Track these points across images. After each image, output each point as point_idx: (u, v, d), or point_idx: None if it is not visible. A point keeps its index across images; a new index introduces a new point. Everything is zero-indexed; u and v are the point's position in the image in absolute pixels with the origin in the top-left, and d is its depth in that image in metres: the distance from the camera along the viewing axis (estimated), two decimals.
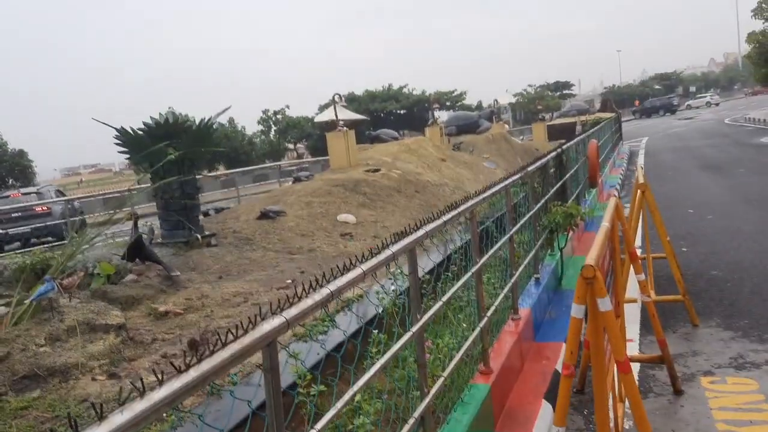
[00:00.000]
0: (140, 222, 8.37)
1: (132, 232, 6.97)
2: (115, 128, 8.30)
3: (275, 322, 1.94)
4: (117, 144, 8.58)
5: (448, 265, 4.93)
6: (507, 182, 5.60)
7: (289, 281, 6.68)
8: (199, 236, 8.35)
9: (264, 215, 9.46)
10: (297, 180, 13.00)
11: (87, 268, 7.04)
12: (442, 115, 61.10)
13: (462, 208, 4.17)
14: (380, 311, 4.41)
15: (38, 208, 16.46)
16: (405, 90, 60.44)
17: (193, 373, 1.56)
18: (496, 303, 4.71)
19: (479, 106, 63.57)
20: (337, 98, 14.83)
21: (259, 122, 49.44)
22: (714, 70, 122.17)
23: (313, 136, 49.76)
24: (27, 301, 4.91)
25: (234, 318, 5.44)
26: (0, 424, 3.54)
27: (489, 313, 4.41)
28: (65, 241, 13.98)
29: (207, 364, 1.61)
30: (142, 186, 11.81)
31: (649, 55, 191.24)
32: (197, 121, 8.65)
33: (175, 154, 8.05)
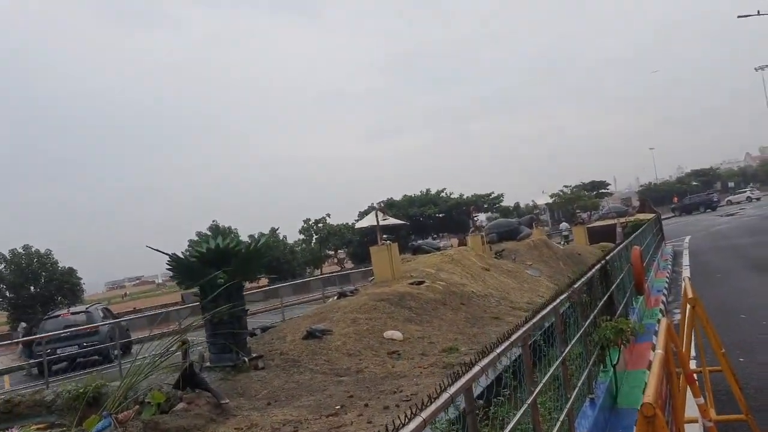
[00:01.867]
0: (189, 336, 8.51)
1: (183, 359, 7.08)
2: (167, 254, 8.65)
3: None
4: (169, 269, 8.91)
5: (497, 389, 4.85)
6: (555, 303, 5.60)
7: (338, 407, 6.62)
8: (246, 359, 8.42)
9: (310, 335, 9.51)
10: (342, 295, 13.11)
11: (138, 396, 7.13)
12: (481, 217, 61.67)
13: (514, 337, 4.19)
14: None
15: (86, 329, 16.83)
16: (443, 194, 61.46)
17: None
18: (555, 430, 4.58)
19: (517, 208, 64.00)
20: (379, 212, 15.19)
21: (300, 231, 50.57)
22: (751, 164, 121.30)
23: (353, 242, 50.53)
24: None
25: None
26: None
27: None
28: (112, 363, 14.23)
29: None
30: (190, 304, 12.10)
31: (684, 151, 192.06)
32: (247, 245, 8.95)
33: (225, 278, 8.30)
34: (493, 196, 62.32)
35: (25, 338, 17.29)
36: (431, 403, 2.85)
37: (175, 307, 20.69)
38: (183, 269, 8.68)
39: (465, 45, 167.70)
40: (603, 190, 79.40)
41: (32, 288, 34.31)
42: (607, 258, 9.36)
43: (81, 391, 7.80)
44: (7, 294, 33.83)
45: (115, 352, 14.79)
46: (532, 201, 68.26)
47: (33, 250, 34.87)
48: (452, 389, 3.08)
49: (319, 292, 23.99)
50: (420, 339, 9.75)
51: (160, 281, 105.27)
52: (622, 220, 29.37)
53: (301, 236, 50.87)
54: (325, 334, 9.60)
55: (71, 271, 35.82)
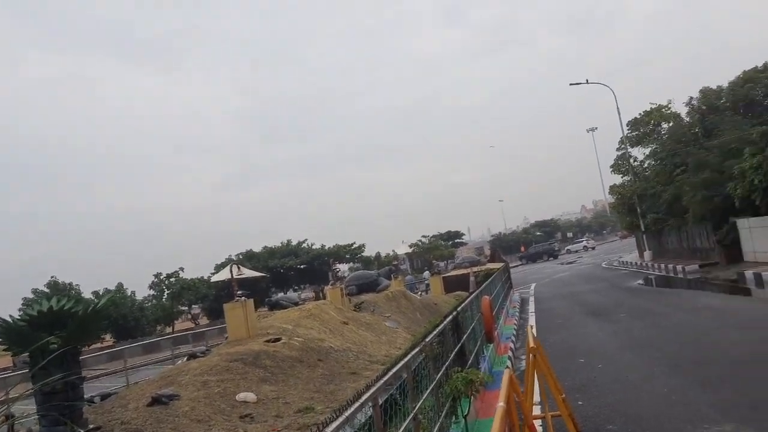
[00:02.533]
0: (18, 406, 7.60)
1: None
2: None
3: None
4: None
5: None
6: (407, 359, 5.72)
7: None
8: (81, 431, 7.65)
9: (156, 401, 8.87)
10: (192, 356, 12.42)
11: None
12: (343, 268, 61.91)
13: (364, 398, 4.20)
14: None
15: None
16: (304, 245, 61.17)
17: None
18: None
19: (378, 258, 65.23)
20: (234, 268, 14.74)
21: (150, 287, 47.63)
22: (586, 216, 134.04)
23: (209, 297, 48.39)
24: None
25: None
26: None
27: None
28: None
29: None
30: (21, 373, 10.87)
31: (530, 203, 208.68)
32: (86, 304, 8.25)
33: (59, 344, 7.56)
34: (354, 246, 63.06)
35: None
36: None
37: (4, 374, 18.48)
38: (11, 334, 7.80)
39: (326, 95, 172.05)
40: (458, 240, 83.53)
41: None
42: (458, 309, 9.77)
43: None
44: None
45: None
46: (393, 251, 70.03)
47: None
48: None
49: (169, 351, 22.61)
50: (275, 400, 9.46)
51: None
52: (475, 269, 30.96)
53: (152, 292, 47.92)
54: (172, 399, 8.99)
55: None
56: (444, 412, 6.91)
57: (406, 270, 67.40)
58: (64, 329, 7.75)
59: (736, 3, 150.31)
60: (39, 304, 8.21)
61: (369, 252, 65.35)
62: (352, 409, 3.95)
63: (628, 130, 37.74)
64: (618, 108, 37.98)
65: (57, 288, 40.72)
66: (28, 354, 8.07)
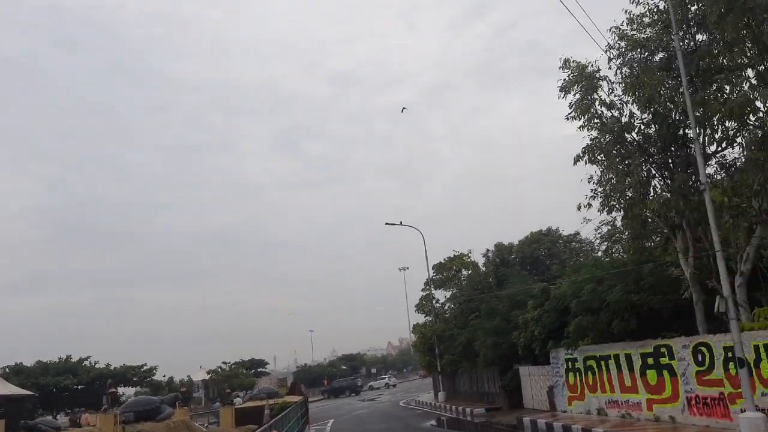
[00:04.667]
0: None
1: None
2: None
3: None
4: None
5: None
6: None
7: None
8: None
9: None
10: None
11: None
12: (129, 392, 55.93)
13: None
14: None
15: None
16: (86, 362, 54.86)
17: None
18: None
19: (170, 382, 60.18)
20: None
21: None
22: (392, 353, 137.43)
23: None
24: None
25: None
26: None
27: None
28: None
29: None
30: None
31: (339, 335, 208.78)
32: None
33: None
34: (145, 368, 57.84)
35: None
36: None
37: None
38: None
39: (132, 206, 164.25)
40: (261, 369, 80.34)
41: None
42: None
43: None
44: None
45: None
46: (188, 376, 65.25)
47: None
48: None
49: None
50: None
51: None
52: (272, 401, 29.71)
53: None
54: None
55: None
56: None
57: (200, 398, 62.77)
58: None
59: (528, 179, 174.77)
60: None
61: (161, 375, 60.22)
62: None
63: (433, 272, 40.38)
64: (426, 251, 40.76)
65: None
66: None
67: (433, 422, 27.62)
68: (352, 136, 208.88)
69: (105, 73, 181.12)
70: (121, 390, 52.72)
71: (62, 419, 38.20)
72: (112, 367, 55.51)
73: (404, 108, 51.06)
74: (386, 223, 42.44)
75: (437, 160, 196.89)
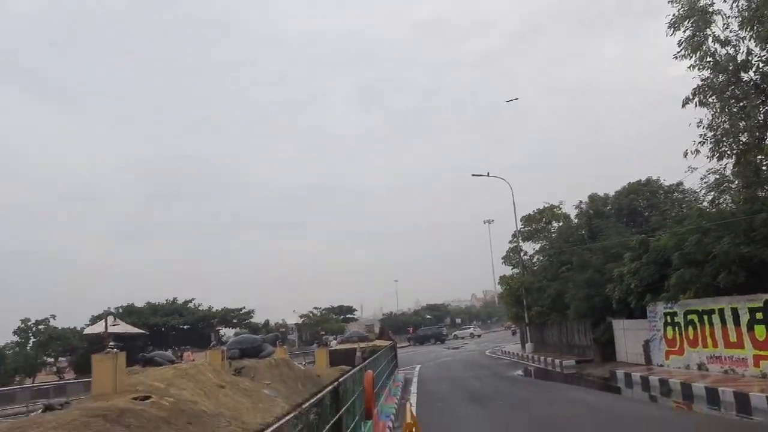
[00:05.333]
0: None
1: None
2: None
3: None
4: None
5: None
6: (281, 422, 5.49)
7: None
8: None
9: None
10: (49, 408, 11.31)
11: None
12: (229, 332, 59.50)
13: None
14: None
15: None
16: (191, 305, 58.66)
17: None
18: None
19: (266, 325, 63.42)
20: (111, 318, 13.80)
21: (15, 332, 43.48)
22: (475, 304, 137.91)
23: (79, 350, 44.75)
24: None
25: None
26: None
27: None
28: None
29: None
30: None
31: (423, 286, 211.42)
32: None
33: None
34: (243, 311, 61.17)
35: None
36: None
37: None
38: None
39: (228, 159, 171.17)
40: (350, 315, 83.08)
41: None
42: (340, 380, 9.57)
43: None
44: None
45: None
46: (283, 320, 68.51)
47: None
48: None
49: (25, 404, 20.59)
50: None
51: None
52: (362, 344, 30.72)
53: (15, 338, 43.71)
54: None
55: None
56: None
57: (293, 340, 65.88)
58: None
59: (627, 126, 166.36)
60: None
61: (258, 319, 63.55)
62: None
63: (521, 224, 39.80)
64: (514, 203, 40.10)
65: None
66: None
67: (520, 372, 27.71)
68: (437, 87, 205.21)
69: (195, 29, 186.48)
70: (221, 330, 56.20)
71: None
72: (213, 310, 59.07)
73: (512, 99, 50.48)
74: (473, 175, 41.88)
75: (526, 108, 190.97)
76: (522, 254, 40.28)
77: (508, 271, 42.41)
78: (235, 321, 61.09)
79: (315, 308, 74.51)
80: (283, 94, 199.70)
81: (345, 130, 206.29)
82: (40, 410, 11.87)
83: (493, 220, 73.29)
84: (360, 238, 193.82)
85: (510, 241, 42.04)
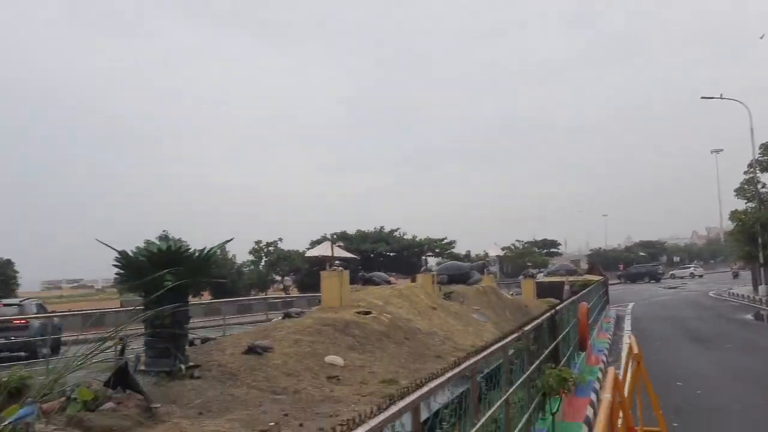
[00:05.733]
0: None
1: (119, 355, 6.81)
2: (117, 251, 8.38)
3: None
4: (116, 267, 8.61)
5: (434, 421, 4.79)
6: (505, 341, 5.63)
7: (272, 424, 6.44)
8: (183, 367, 8.14)
9: (251, 350, 9.28)
10: (287, 316, 12.88)
11: (65, 391, 6.80)
12: (431, 261, 61.82)
13: (464, 365, 4.19)
14: None
15: (17, 322, 16.04)
16: (396, 233, 61.69)
17: None
18: None
19: (467, 256, 64.63)
20: (334, 247, 15.10)
21: (250, 252, 49.77)
22: (696, 242, 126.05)
23: (302, 270, 49.93)
24: (5, 424, 4.69)
25: None
26: None
27: None
28: (39, 359, 13.51)
29: None
30: (130, 308, 11.67)
31: (635, 221, 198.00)
32: (197, 251, 8.72)
33: (172, 281, 8.06)
34: (445, 241, 62.83)
35: None
36: (380, 413, 2.78)
37: (112, 309, 19.99)
38: (130, 268, 8.41)
39: (435, 95, 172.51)
40: (553, 250, 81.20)
41: None
42: (557, 309, 9.52)
43: (4, 380, 7.37)
44: None
45: (45, 350, 14.10)
46: (484, 251, 69.15)
47: None
48: (402, 403, 3.02)
49: (262, 314, 23.58)
50: (361, 368, 9.63)
51: (100, 287, 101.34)
52: (571, 278, 29.97)
53: (251, 257, 50.06)
54: (266, 351, 9.38)
55: (8, 263, 34.29)
56: (533, 407, 6.76)
57: (495, 272, 66.39)
58: (177, 269, 8.24)
59: None
60: (156, 245, 8.78)
61: (459, 249, 64.88)
62: (453, 372, 3.94)
63: (759, 153, 35.04)
64: (752, 128, 35.24)
65: (168, 239, 43.39)
66: (142, 290, 8.67)
67: (751, 316, 25.01)
68: (653, 4, 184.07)
69: None
70: (424, 259, 58.52)
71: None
72: (417, 239, 61.57)
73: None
74: (702, 98, 37.40)
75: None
76: (759, 186, 35.66)
77: (739, 205, 37.93)
78: (437, 250, 63.11)
79: (517, 241, 74.08)
80: (487, 20, 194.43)
81: (553, 54, 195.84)
82: (280, 317, 13.56)
83: (722, 150, 65.52)
84: (567, 171, 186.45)
85: (745, 172, 37.31)
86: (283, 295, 46.61)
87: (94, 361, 7.01)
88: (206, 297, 42.13)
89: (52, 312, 20.90)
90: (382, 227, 62.11)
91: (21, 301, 19.18)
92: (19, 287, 35.94)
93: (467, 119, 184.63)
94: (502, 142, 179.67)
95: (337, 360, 9.55)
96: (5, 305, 18.05)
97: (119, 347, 6.89)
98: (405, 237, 61.83)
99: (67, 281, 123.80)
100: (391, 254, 60.20)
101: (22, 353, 14.91)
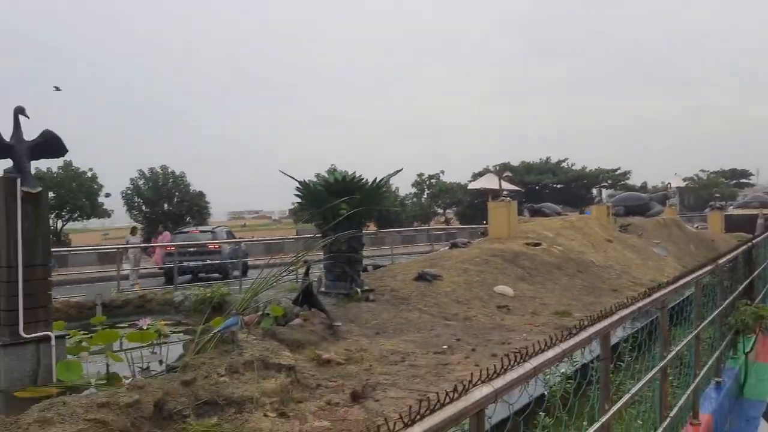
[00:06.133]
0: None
1: (304, 276, 7.34)
2: (298, 181, 8.92)
3: (485, 390, 1.94)
4: (297, 195, 9.20)
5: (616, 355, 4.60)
6: (698, 273, 5.20)
7: (445, 347, 6.62)
8: (359, 290, 8.61)
9: (421, 277, 9.54)
10: (454, 246, 13.02)
11: (258, 307, 7.52)
12: (603, 194, 58.59)
13: (655, 296, 3.93)
14: (547, 392, 4.24)
15: (212, 246, 17.87)
16: (564, 164, 59.12)
17: (417, 429, 1.57)
18: (680, 403, 4.31)
19: (644, 187, 60.40)
20: (503, 171, 14.79)
21: (413, 185, 50.70)
22: None
23: (463, 202, 50.04)
24: (214, 332, 5.30)
25: (393, 375, 5.46)
26: None
27: (672, 413, 4.04)
28: (229, 279, 15.06)
29: (429, 422, 1.63)
30: (307, 236, 12.51)
31: None
32: (371, 181, 9.01)
33: (347, 209, 8.44)
34: (618, 171, 59.06)
35: (156, 245, 18.60)
36: (571, 337, 2.70)
37: (291, 238, 21.58)
38: (310, 196, 8.94)
39: (600, 18, 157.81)
40: (743, 180, 73.11)
41: (165, 205, 36.87)
42: (755, 242, 8.60)
43: (208, 295, 8.33)
44: (143, 208, 36.58)
45: (236, 272, 15.69)
46: (663, 182, 64.03)
47: (169, 170, 37.32)
48: (592, 329, 2.91)
49: (425, 245, 24.09)
50: (531, 298, 9.53)
51: (277, 217, 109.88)
52: (766, 211, 26.82)
53: (413, 190, 50.99)
54: (435, 278, 9.60)
55: (201, 195, 38.08)
56: (724, 344, 6.26)
57: (675, 205, 61.45)
58: (352, 197, 8.60)
59: None
60: (333, 175, 9.20)
61: (634, 180, 60.71)
62: (642, 303, 3.71)
63: None
64: None
65: (350, 175, 45.50)
66: (320, 218, 9.20)
67: None
68: None
69: None
70: (594, 191, 55.67)
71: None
72: (587, 170, 58.54)
73: None
74: None
75: None
76: None
77: None
78: (609, 182, 59.62)
79: (701, 171, 67.64)
80: None
81: None
82: (447, 247, 13.75)
83: None
84: (757, 90, 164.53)
85: None
86: (446, 226, 47.25)
87: (281, 282, 7.64)
88: (371, 228, 44.03)
89: (240, 239, 23.07)
90: (548, 158, 59.83)
91: (213, 229, 21.31)
92: (210, 216, 39.86)
93: (632, 40, 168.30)
94: (675, 64, 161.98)
95: (507, 290, 9.53)
96: (201, 232, 20.15)
97: (304, 269, 7.41)
98: (573, 168, 59.06)
99: (248, 212, 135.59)
100: (557, 186, 58.01)
101: (217, 274, 16.72)
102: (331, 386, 5.17)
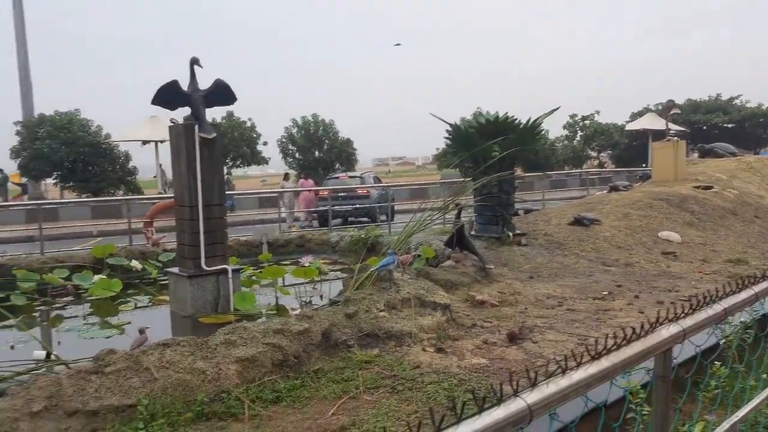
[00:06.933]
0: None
1: (456, 218, 7.33)
2: (448, 123, 8.82)
3: (672, 330, 1.84)
4: (447, 139, 9.12)
5: None
6: None
7: (605, 293, 6.33)
8: (510, 234, 8.45)
9: (577, 221, 9.16)
10: (614, 189, 12.31)
11: (410, 248, 7.67)
12: None
13: None
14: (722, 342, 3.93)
15: (361, 191, 18.43)
16: (736, 101, 53.15)
17: (605, 363, 1.53)
18: None
19: None
20: (670, 108, 13.58)
21: (564, 127, 48.31)
22: None
23: (620, 145, 46.93)
24: (372, 269, 5.49)
25: (549, 319, 5.34)
26: (349, 371, 3.99)
27: None
28: (378, 222, 15.50)
29: (616, 357, 1.58)
30: (452, 180, 12.41)
31: None
32: (525, 121, 8.67)
33: (499, 151, 8.23)
34: None
35: (311, 189, 19.49)
36: (755, 284, 2.45)
37: (437, 183, 21.63)
38: (460, 139, 8.82)
39: None
40: None
41: (316, 152, 38.64)
42: None
43: (363, 236, 8.63)
44: (297, 155, 38.61)
45: (383, 217, 16.10)
46: None
47: (320, 119, 38.87)
48: None
49: (577, 190, 23.05)
50: (701, 245, 8.80)
51: (420, 164, 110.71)
52: None
53: (565, 132, 48.53)
54: (593, 223, 9.17)
55: (349, 142, 39.29)
56: None
57: None
58: (505, 138, 8.36)
59: None
60: (485, 116, 8.97)
61: None
62: None
63: None
64: None
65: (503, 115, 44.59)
66: (471, 160, 9.07)
67: None
68: None
69: None
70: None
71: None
72: (764, 107, 52.28)
73: None
74: None
75: None
76: None
77: None
78: None
79: None
80: None
81: None
82: (606, 191, 13.04)
83: None
84: None
85: None
86: (600, 170, 44.77)
87: (432, 225, 7.71)
88: (518, 172, 42.71)
89: (387, 184, 23.54)
90: (718, 95, 54.06)
91: (362, 174, 21.93)
92: (357, 163, 41.04)
93: None
94: None
95: (673, 236, 8.87)
96: (350, 177, 20.84)
97: (456, 212, 7.40)
98: (748, 105, 52.92)
99: (392, 158, 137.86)
100: (729, 126, 52.45)
101: (366, 218, 17.25)
102: (486, 326, 5.17)
